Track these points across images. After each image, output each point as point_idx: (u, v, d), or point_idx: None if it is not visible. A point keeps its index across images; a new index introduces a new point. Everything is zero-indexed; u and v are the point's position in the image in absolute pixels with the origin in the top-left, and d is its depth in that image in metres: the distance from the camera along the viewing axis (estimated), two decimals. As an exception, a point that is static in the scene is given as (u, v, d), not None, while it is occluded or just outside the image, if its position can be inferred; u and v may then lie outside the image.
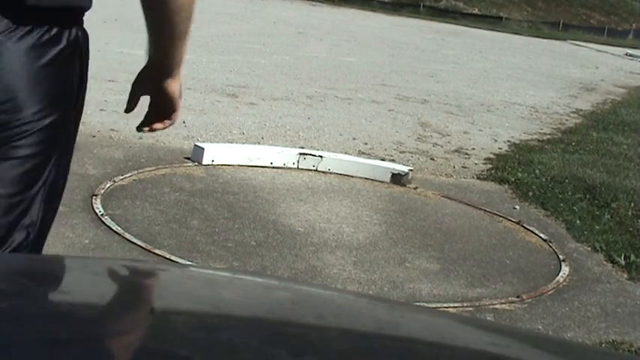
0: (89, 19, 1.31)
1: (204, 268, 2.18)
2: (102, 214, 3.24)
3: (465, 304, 2.92)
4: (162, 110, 1.52)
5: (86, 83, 1.33)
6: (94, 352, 0.66)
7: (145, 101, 1.50)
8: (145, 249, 2.98)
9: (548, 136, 6.93)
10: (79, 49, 1.28)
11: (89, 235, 3.03)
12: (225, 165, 4.23)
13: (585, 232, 3.96)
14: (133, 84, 1.46)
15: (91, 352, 0.66)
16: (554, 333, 2.78)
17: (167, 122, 1.52)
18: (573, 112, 8.86)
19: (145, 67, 1.43)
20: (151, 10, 1.35)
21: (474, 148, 5.90)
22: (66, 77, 1.26)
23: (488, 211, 4.16)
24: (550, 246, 3.72)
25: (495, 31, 32.20)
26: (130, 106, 1.48)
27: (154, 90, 1.46)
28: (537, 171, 5.11)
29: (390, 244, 3.45)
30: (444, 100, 8.39)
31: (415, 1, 45.46)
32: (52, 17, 1.20)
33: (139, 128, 1.52)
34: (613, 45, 30.78)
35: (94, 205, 3.33)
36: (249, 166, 4.33)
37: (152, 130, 1.55)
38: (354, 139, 5.66)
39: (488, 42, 22.83)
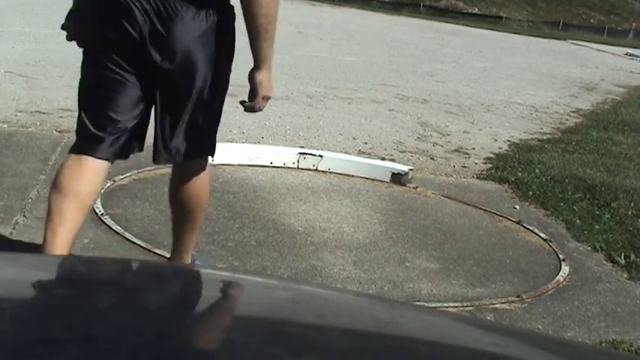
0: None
1: (205, 268, 2.18)
2: (102, 214, 3.24)
3: (465, 304, 2.92)
4: (250, 92, 2.29)
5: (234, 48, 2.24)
6: (94, 352, 0.66)
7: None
8: (145, 248, 2.98)
9: (548, 136, 6.93)
10: (233, 17, 2.19)
11: (89, 235, 3.03)
12: (225, 164, 4.23)
13: (585, 232, 3.96)
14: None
15: (91, 352, 0.66)
16: (554, 333, 2.78)
17: (252, 104, 2.31)
18: (573, 112, 8.86)
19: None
20: (244, 16, 2.16)
21: (473, 148, 5.89)
22: (230, 37, 2.20)
23: (488, 211, 4.16)
24: (550, 245, 3.72)
25: (495, 31, 32.18)
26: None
27: (250, 78, 2.29)
28: (537, 170, 5.11)
29: (390, 244, 3.45)
30: (444, 100, 8.38)
31: (415, 1, 45.44)
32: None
33: (241, 103, 2.33)
34: (613, 44, 30.77)
35: (94, 205, 3.33)
36: (249, 165, 4.32)
37: (250, 109, 2.33)
38: (354, 138, 5.66)
39: (488, 41, 22.82)
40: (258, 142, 5.02)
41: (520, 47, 21.98)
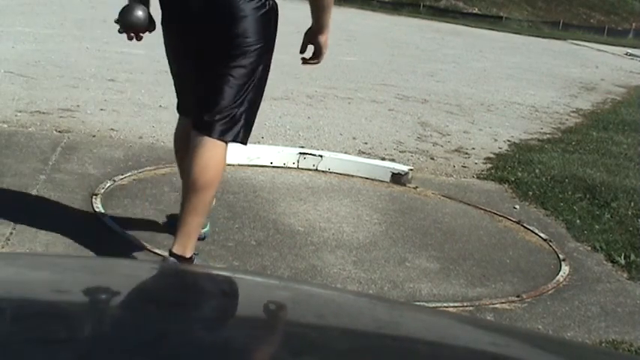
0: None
1: (204, 268, 2.18)
2: (102, 214, 3.24)
3: (465, 304, 2.92)
4: (315, 51, 2.77)
5: (276, 33, 2.64)
6: (94, 352, 0.66)
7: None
8: (145, 248, 2.98)
9: (548, 136, 6.92)
10: (275, 9, 2.60)
11: (89, 235, 3.02)
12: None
13: (585, 232, 3.96)
14: (304, 35, 2.76)
15: (91, 352, 0.66)
16: (554, 333, 2.78)
17: (316, 60, 2.79)
18: (573, 112, 8.86)
19: (310, 27, 2.73)
20: None
21: (473, 148, 5.89)
22: (269, 25, 2.59)
23: (488, 211, 4.16)
24: (550, 245, 3.72)
25: (495, 31, 32.16)
26: (303, 49, 2.76)
27: (311, 39, 2.75)
28: (537, 170, 5.10)
29: (390, 244, 3.45)
30: (444, 100, 8.38)
31: (415, 1, 45.45)
32: None
33: (302, 52, 2.75)
34: (613, 44, 30.76)
35: (94, 205, 3.33)
36: (249, 165, 4.32)
37: (307, 63, 2.79)
38: (354, 138, 5.66)
39: (488, 41, 22.81)
40: (258, 142, 5.01)
41: (520, 47, 21.98)
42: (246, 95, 2.58)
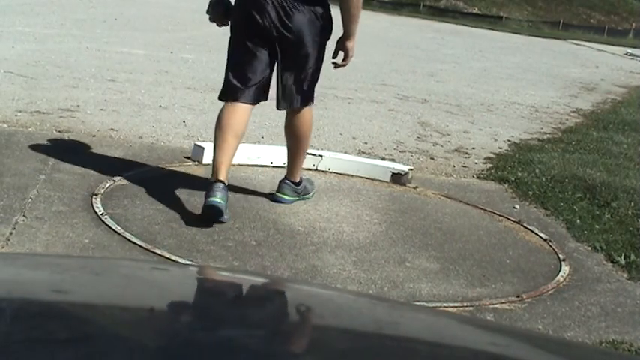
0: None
1: (205, 268, 2.18)
2: (102, 214, 3.24)
3: (465, 304, 2.92)
4: (344, 56, 3.54)
5: (329, 31, 3.49)
6: (94, 352, 0.66)
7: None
8: (145, 248, 2.98)
9: (548, 136, 6.92)
10: (328, 15, 3.45)
11: (89, 235, 3.03)
12: (225, 164, 4.21)
13: (585, 232, 3.96)
14: (337, 43, 3.55)
15: (91, 352, 0.66)
16: (554, 333, 2.78)
17: (344, 63, 3.57)
18: (573, 112, 8.86)
19: (342, 35, 3.51)
20: (341, 7, 3.44)
21: (473, 148, 5.89)
22: (321, 27, 3.42)
23: (488, 211, 4.16)
24: (550, 245, 3.72)
25: (495, 31, 32.17)
26: (335, 55, 3.56)
27: (341, 45, 3.54)
28: (537, 170, 5.10)
29: (390, 244, 3.45)
30: (444, 100, 8.38)
31: (415, 1, 45.48)
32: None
33: (333, 57, 3.58)
34: (613, 44, 30.78)
35: (94, 205, 3.33)
36: (249, 165, 4.32)
37: (338, 66, 3.61)
38: (354, 138, 5.66)
39: (488, 41, 22.82)
40: (258, 142, 5.02)
41: (520, 47, 21.98)
42: (316, 77, 3.52)
